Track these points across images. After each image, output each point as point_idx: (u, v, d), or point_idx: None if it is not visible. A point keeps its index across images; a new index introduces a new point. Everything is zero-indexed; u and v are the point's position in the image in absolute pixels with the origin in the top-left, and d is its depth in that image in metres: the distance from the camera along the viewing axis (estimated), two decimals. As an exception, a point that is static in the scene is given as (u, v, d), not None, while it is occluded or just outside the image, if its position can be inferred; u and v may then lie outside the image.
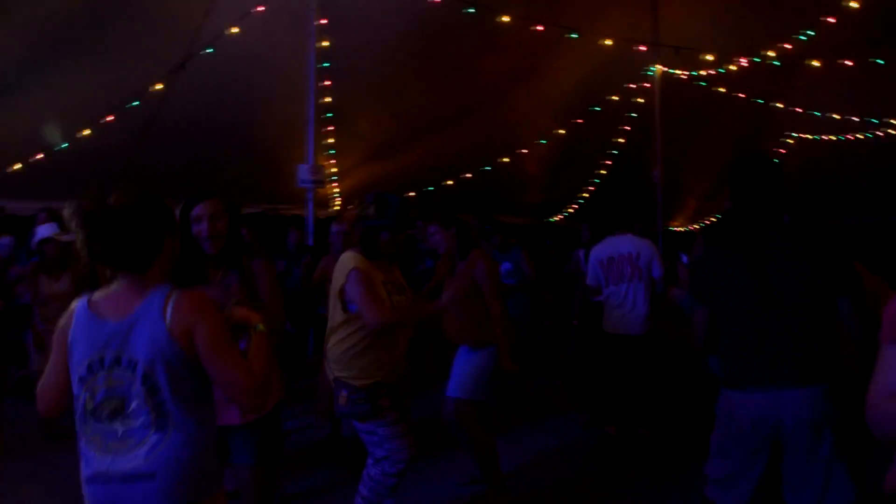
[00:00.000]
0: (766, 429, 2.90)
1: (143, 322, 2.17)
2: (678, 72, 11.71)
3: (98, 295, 2.28)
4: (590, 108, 12.14)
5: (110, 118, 8.70)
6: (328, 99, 9.21)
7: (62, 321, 2.29)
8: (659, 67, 11.46)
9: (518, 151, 12.59)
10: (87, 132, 8.75)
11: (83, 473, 2.22)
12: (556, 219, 15.36)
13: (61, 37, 7.70)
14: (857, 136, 12.48)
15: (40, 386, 2.33)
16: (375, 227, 3.75)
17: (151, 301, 2.19)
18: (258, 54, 8.77)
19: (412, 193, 11.89)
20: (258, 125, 9.77)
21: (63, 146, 8.77)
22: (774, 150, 13.70)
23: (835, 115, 12.15)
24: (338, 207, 12.61)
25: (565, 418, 6.87)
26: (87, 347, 2.20)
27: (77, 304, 2.29)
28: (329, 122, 9.73)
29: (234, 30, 8.32)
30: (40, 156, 8.85)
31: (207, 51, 8.46)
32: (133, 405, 2.17)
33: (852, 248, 3.52)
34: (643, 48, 10.63)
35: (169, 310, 2.16)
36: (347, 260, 3.75)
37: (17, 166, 8.88)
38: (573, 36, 9.79)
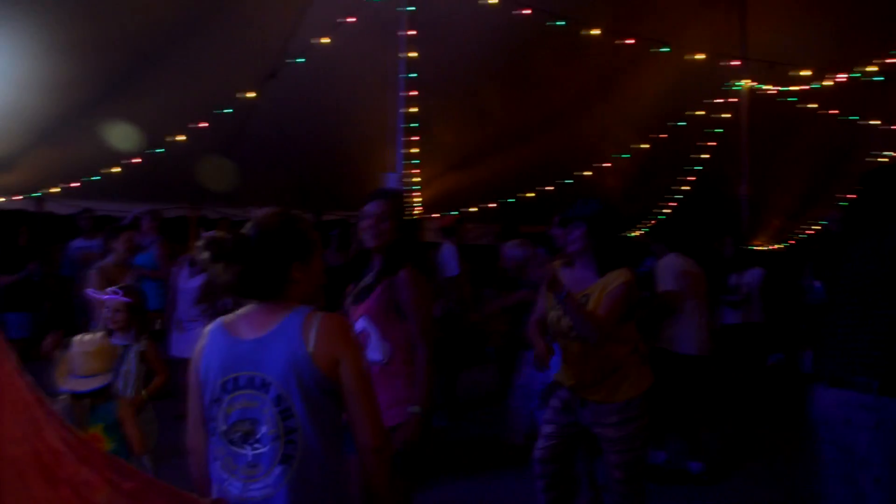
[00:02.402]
0: (832, 427, 2.94)
1: (280, 343, 2.08)
2: (767, 87, 11.44)
3: (232, 316, 2.22)
4: (673, 124, 11.95)
5: (204, 124, 8.96)
6: (414, 109, 9.28)
7: (198, 347, 2.23)
8: (746, 82, 11.21)
9: (599, 164, 12.48)
10: (181, 137, 9.02)
11: (215, 496, 2.13)
12: (634, 234, 15.16)
13: (158, 44, 7.94)
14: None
15: (189, 417, 2.26)
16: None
17: (290, 322, 2.10)
18: (347, 64, 8.89)
19: (493, 204, 11.89)
20: (343, 134, 9.91)
21: (159, 151, 9.06)
22: (864, 168, 13.27)
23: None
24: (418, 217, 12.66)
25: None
26: (221, 368, 2.13)
27: (212, 325, 2.23)
28: (414, 131, 9.80)
29: (325, 40, 8.46)
30: (138, 160, 9.17)
31: (298, 60, 8.63)
32: (264, 429, 2.07)
33: None
34: (735, 63, 10.40)
35: (312, 333, 2.07)
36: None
37: (116, 169, 9.21)
38: (663, 50, 9.64)
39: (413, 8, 7.61)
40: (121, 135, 8.55)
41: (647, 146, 12.13)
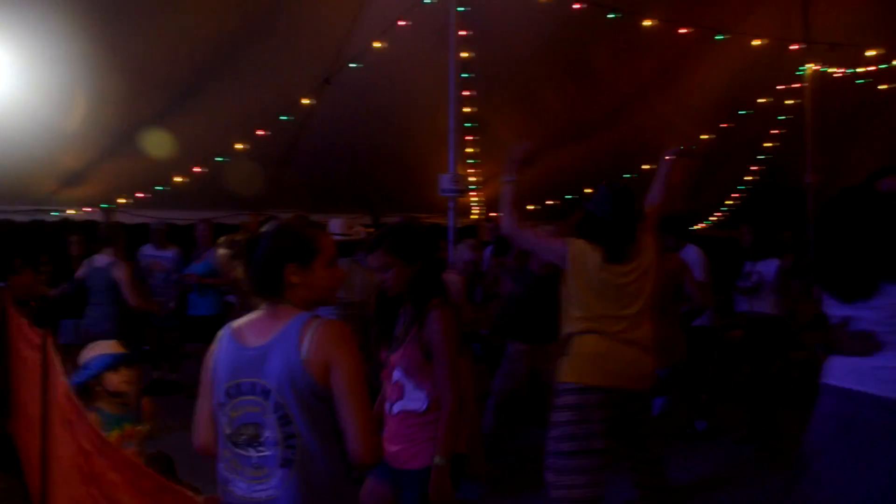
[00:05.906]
0: None
1: (278, 350, 2.13)
2: (833, 70, 11.08)
3: (241, 322, 2.29)
4: (738, 112, 11.64)
5: (261, 132, 9.12)
6: (469, 109, 9.26)
7: (210, 349, 2.31)
8: (810, 66, 10.88)
9: (662, 158, 12.23)
10: (241, 146, 9.19)
11: (223, 496, 2.20)
12: (699, 227, 14.85)
13: (218, 56, 8.13)
14: None
15: (195, 416, 2.34)
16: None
17: (289, 329, 2.15)
18: (401, 67, 8.93)
19: (555, 202, 11.79)
20: (400, 136, 9.97)
21: (222, 160, 9.26)
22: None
23: None
24: (475, 216, 12.68)
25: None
26: (227, 373, 2.20)
27: (223, 331, 2.31)
28: (470, 131, 9.78)
29: (378, 44, 8.51)
30: (198, 169, 9.39)
31: (353, 65, 8.71)
32: (266, 434, 2.14)
33: None
34: (795, 47, 10.10)
35: (306, 339, 2.11)
36: None
37: (180, 179, 9.45)
38: (719, 38, 9.42)
39: (463, 8, 7.54)
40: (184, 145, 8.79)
41: (711, 137, 11.83)
